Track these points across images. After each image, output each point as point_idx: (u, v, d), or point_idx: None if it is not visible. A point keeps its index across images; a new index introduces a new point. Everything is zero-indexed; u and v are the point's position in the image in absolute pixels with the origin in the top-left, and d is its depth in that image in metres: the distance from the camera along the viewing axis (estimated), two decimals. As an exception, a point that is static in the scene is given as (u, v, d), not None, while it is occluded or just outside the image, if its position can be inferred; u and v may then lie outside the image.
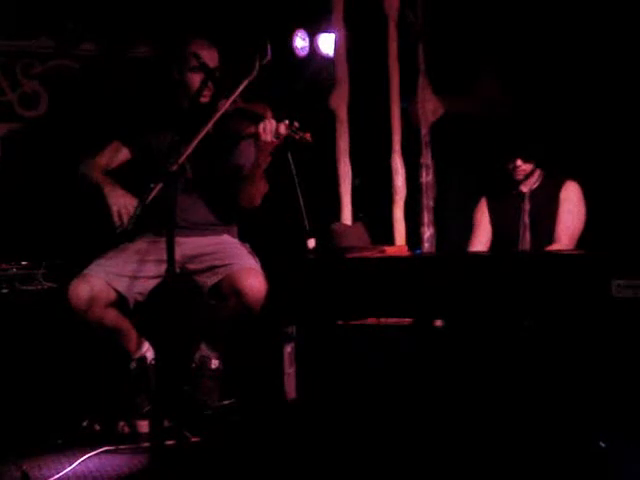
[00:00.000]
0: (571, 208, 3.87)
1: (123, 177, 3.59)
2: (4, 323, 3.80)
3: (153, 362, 3.40)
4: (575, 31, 4.23)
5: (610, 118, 4.20)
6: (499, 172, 3.94)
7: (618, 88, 4.17)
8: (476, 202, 4.09)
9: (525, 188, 3.93)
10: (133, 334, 3.44)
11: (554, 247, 3.81)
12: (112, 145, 3.62)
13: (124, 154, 3.61)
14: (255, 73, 3.14)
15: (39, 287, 3.91)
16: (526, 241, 3.88)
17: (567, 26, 4.25)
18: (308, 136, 3.29)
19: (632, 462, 2.51)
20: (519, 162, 3.84)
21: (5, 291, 3.88)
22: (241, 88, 3.16)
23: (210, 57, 3.45)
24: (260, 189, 3.46)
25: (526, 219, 3.90)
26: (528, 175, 3.89)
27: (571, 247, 3.82)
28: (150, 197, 2.87)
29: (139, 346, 3.44)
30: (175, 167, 2.87)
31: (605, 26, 4.16)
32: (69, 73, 4.79)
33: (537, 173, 3.92)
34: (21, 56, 4.71)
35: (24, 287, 3.91)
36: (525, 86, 4.45)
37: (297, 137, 3.27)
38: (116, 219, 3.34)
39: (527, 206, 3.90)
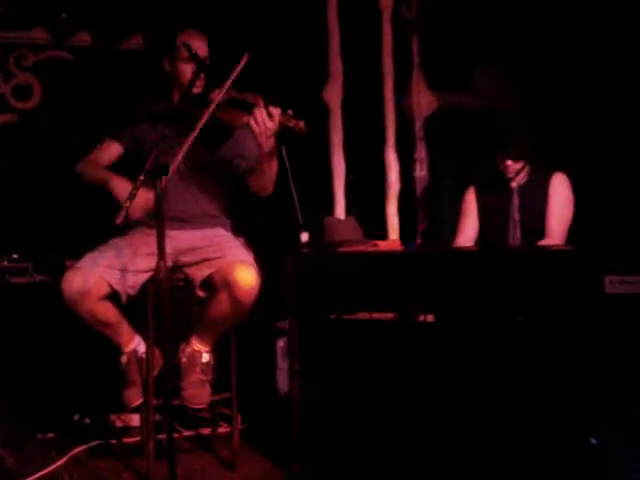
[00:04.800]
0: (560, 200, 3.86)
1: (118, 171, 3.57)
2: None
3: (144, 356, 3.39)
4: (566, 25, 4.24)
5: (599, 111, 4.20)
6: (488, 165, 3.92)
7: (602, 81, 4.18)
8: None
9: (514, 183, 3.91)
10: (125, 327, 3.42)
11: (546, 242, 3.80)
12: (104, 143, 3.60)
13: (116, 149, 3.59)
14: (245, 61, 3.13)
15: (30, 280, 3.90)
16: (516, 238, 3.87)
17: (558, 20, 4.26)
18: (302, 124, 3.26)
19: (628, 460, 2.51)
20: (509, 162, 3.84)
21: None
22: (233, 77, 3.15)
23: (200, 46, 3.43)
24: (271, 176, 3.43)
25: (516, 216, 3.88)
26: (519, 171, 3.88)
27: (562, 240, 3.81)
28: (139, 189, 2.88)
29: (130, 340, 3.43)
30: (169, 162, 2.87)
31: (591, 19, 4.17)
32: (62, 64, 4.77)
33: (526, 168, 3.92)
34: (14, 47, 4.70)
35: (15, 280, 3.90)
36: (519, 79, 4.45)
37: (291, 124, 3.25)
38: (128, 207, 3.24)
39: (516, 201, 3.89)
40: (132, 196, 2.92)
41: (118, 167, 3.55)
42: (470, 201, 4.02)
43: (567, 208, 3.86)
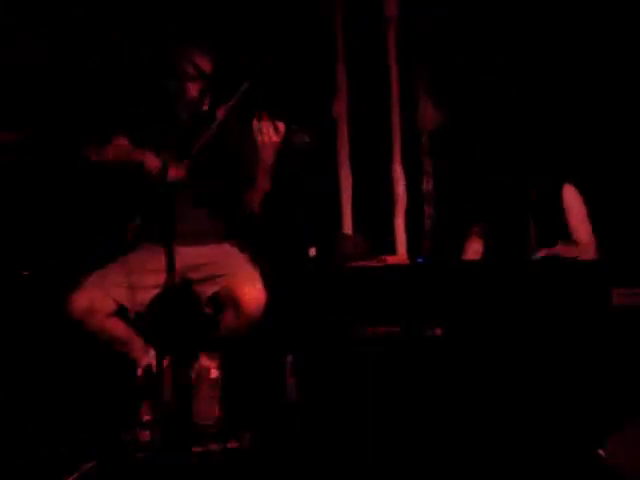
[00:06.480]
0: (580, 214, 3.84)
1: (120, 183, 3.57)
2: (5, 332, 3.82)
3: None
4: (569, 32, 4.26)
5: (608, 120, 4.20)
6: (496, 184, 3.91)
7: (605, 86, 4.19)
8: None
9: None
10: (138, 342, 3.43)
11: (578, 249, 3.76)
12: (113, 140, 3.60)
13: (122, 141, 3.58)
14: (253, 79, 3.15)
15: (40, 297, 3.92)
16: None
17: (562, 29, 4.28)
18: (307, 138, 3.28)
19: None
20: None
21: (6, 300, 3.89)
22: (240, 94, 3.17)
23: (204, 63, 3.45)
24: (260, 194, 3.44)
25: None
26: None
27: (593, 245, 3.78)
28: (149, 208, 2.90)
29: (145, 354, 3.43)
30: (175, 176, 2.89)
31: (593, 23, 4.19)
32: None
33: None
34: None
35: (25, 296, 3.92)
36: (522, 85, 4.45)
37: (296, 140, 3.26)
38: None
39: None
40: (140, 217, 2.95)
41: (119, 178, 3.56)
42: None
43: (587, 220, 3.85)
